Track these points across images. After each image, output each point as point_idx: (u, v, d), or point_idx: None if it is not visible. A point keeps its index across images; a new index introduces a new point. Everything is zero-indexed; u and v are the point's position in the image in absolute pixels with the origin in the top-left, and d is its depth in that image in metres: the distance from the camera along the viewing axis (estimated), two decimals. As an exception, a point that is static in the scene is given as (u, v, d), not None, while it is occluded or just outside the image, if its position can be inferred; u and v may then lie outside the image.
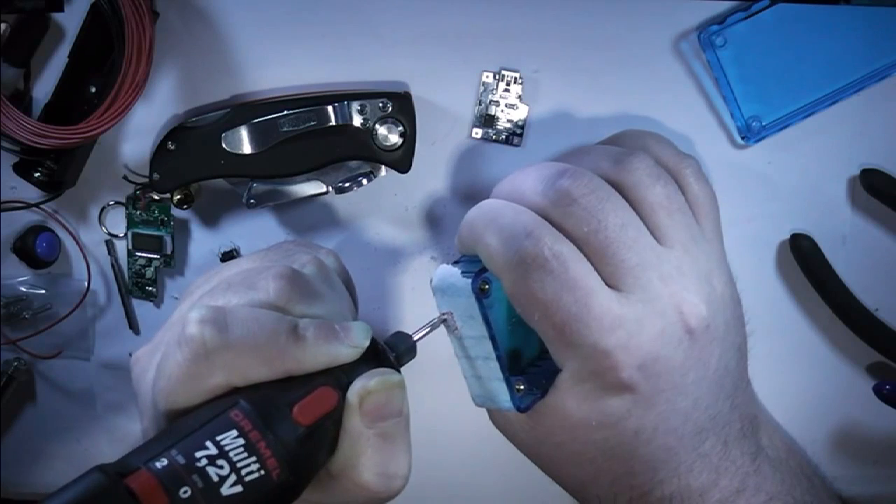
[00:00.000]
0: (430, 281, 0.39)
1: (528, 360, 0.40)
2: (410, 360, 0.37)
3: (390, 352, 0.35)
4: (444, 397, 0.51)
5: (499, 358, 0.38)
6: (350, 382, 0.33)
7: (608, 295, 0.36)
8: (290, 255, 0.37)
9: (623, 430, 0.37)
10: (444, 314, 0.39)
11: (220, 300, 0.33)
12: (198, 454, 0.29)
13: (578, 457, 0.39)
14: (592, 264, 0.37)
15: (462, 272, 0.38)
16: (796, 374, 0.49)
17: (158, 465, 0.28)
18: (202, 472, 0.28)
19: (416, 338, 0.37)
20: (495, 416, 0.43)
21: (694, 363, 0.38)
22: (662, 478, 0.38)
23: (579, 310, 0.36)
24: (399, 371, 0.35)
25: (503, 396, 0.39)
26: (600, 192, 0.37)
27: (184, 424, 0.30)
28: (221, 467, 0.29)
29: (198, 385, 0.31)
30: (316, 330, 0.32)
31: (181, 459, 0.28)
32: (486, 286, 0.38)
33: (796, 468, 0.43)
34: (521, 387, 0.39)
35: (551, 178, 0.37)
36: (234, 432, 0.29)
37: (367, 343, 0.33)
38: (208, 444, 0.29)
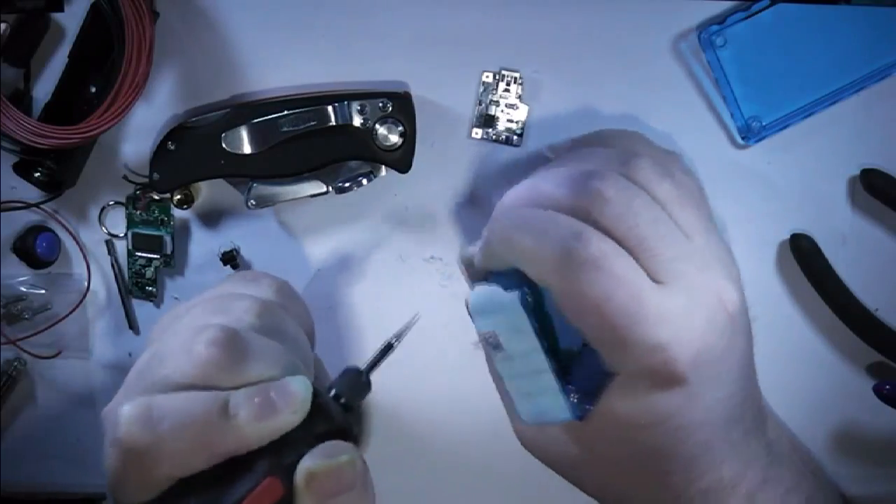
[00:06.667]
0: (466, 305, 0.39)
1: (564, 367, 0.40)
2: (366, 395, 0.36)
3: (335, 405, 0.34)
4: (442, 398, 0.51)
5: (554, 370, 0.38)
6: (298, 456, 0.31)
7: (655, 289, 0.36)
8: (228, 307, 0.35)
9: (666, 429, 0.37)
10: (486, 335, 0.38)
11: (156, 374, 0.33)
12: None
13: (619, 464, 0.39)
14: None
15: (503, 287, 0.38)
16: (796, 374, 0.49)
17: None
18: None
19: (366, 370, 0.36)
20: (529, 436, 0.42)
21: (731, 351, 0.38)
22: (699, 473, 0.38)
23: (632, 306, 0.35)
24: (349, 432, 0.33)
25: (559, 409, 0.38)
26: (629, 191, 0.37)
27: None
28: None
29: (139, 483, 0.31)
30: (249, 408, 0.31)
31: None
32: (530, 298, 0.37)
33: (800, 464, 0.43)
34: (574, 395, 0.38)
35: (580, 182, 0.37)
36: None
37: (307, 403, 0.32)
38: None
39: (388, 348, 0.37)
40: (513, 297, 0.37)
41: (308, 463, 0.32)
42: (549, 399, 0.38)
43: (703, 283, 0.37)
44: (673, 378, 0.36)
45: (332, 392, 0.35)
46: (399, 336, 0.38)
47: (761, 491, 0.39)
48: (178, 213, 0.49)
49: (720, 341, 0.37)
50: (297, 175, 0.46)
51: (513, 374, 0.39)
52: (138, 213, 0.49)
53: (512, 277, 0.38)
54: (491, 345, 0.38)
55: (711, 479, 0.38)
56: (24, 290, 0.51)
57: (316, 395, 0.33)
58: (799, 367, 0.49)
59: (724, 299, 0.37)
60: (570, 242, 0.36)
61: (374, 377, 0.36)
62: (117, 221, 0.50)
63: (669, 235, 0.37)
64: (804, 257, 0.47)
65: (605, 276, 0.35)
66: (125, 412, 0.31)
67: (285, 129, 0.45)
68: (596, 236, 0.36)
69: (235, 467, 0.31)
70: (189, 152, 0.46)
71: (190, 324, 0.35)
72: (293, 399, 0.32)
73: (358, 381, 0.35)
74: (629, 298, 0.35)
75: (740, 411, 0.39)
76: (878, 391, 0.47)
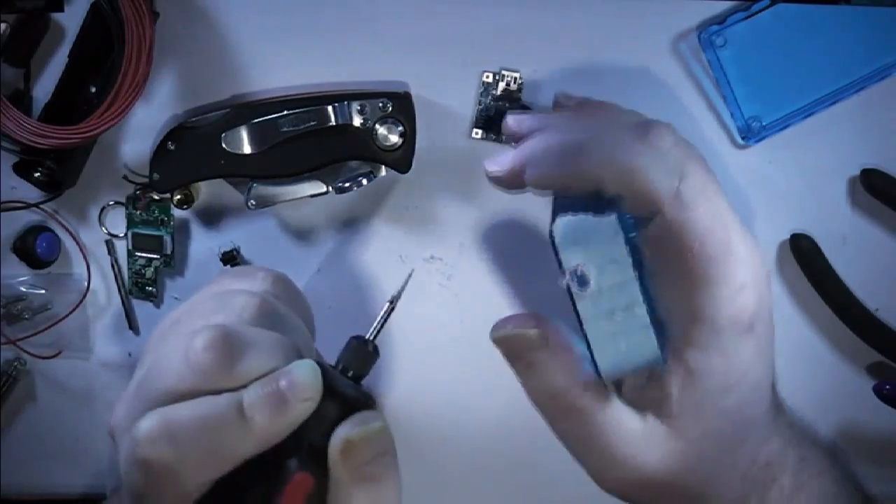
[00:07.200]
0: (552, 238, 0.36)
1: None
2: (374, 363, 0.35)
3: (346, 380, 0.33)
4: (442, 398, 0.51)
5: (650, 300, 0.35)
6: (321, 441, 0.32)
7: (732, 228, 0.36)
8: (226, 304, 0.35)
9: (743, 391, 0.36)
10: (573, 270, 0.35)
11: (159, 386, 0.32)
12: None
13: (709, 447, 0.37)
14: None
15: (593, 214, 0.35)
16: (796, 374, 0.49)
17: None
18: None
19: (372, 338, 0.35)
20: (616, 475, 0.38)
21: (770, 311, 0.37)
22: (759, 443, 0.38)
23: (726, 241, 0.35)
24: (367, 404, 0.33)
25: (647, 348, 0.36)
26: (682, 142, 0.37)
27: None
28: None
29: (171, 497, 0.31)
30: (264, 408, 0.31)
31: None
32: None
33: (816, 447, 0.43)
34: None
35: (643, 130, 0.37)
36: None
37: (319, 388, 0.32)
38: None
39: (389, 310, 0.36)
40: (611, 220, 0.35)
41: (343, 432, 0.32)
42: (636, 337, 0.36)
43: (747, 235, 0.36)
44: (745, 324, 0.35)
45: (340, 366, 0.34)
46: (398, 296, 0.37)
47: (802, 469, 0.38)
48: (178, 213, 0.49)
49: (767, 294, 0.36)
50: (297, 175, 0.46)
51: (598, 313, 0.36)
52: (138, 213, 0.49)
53: (589, 207, 0.36)
54: (577, 281, 0.36)
55: (767, 451, 0.38)
56: (24, 290, 0.51)
57: (325, 375, 0.32)
58: (799, 367, 0.49)
59: (759, 256, 0.37)
60: (679, 171, 0.35)
61: (374, 378, 0.36)
62: (117, 221, 0.50)
63: (718, 185, 0.37)
64: (804, 257, 0.47)
65: (711, 205, 0.35)
66: (145, 429, 0.30)
67: (285, 129, 0.45)
68: (698, 168, 0.36)
69: (260, 466, 0.31)
70: (189, 152, 0.46)
71: (188, 326, 0.34)
72: (303, 387, 0.32)
73: (364, 350, 0.35)
74: (725, 231, 0.35)
75: (771, 382, 0.38)
76: (878, 391, 0.47)
